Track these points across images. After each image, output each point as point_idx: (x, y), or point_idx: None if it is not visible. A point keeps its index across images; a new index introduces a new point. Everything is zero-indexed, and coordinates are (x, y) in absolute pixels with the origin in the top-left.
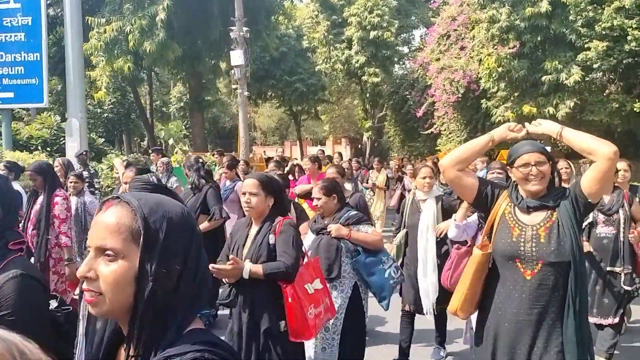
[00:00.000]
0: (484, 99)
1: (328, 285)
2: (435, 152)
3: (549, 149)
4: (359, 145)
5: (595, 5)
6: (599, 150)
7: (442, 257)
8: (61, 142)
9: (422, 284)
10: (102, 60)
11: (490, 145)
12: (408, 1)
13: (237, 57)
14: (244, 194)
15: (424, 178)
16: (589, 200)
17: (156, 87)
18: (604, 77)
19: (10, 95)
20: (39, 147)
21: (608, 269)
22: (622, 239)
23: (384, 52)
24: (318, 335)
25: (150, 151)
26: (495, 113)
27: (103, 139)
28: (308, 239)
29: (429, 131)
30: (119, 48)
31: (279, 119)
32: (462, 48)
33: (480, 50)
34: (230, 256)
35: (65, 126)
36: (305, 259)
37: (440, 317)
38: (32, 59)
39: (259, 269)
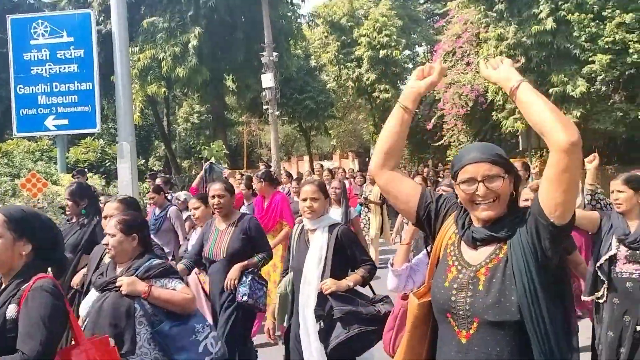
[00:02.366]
0: (494, 111)
1: None
2: (446, 162)
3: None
4: (367, 159)
5: (597, 21)
6: (552, 133)
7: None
8: (106, 164)
9: (306, 353)
10: (136, 86)
11: (407, 114)
12: (411, 20)
13: (268, 79)
14: (305, 199)
15: (305, 200)
16: (552, 222)
17: (160, 109)
18: (608, 88)
19: (65, 122)
20: (86, 170)
21: (638, 328)
22: None
23: (393, 69)
24: None
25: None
26: (505, 124)
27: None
28: (90, 297)
29: (439, 143)
30: (152, 74)
31: (284, 136)
32: (468, 64)
33: None
34: None
35: (117, 149)
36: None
37: None
38: (84, 88)
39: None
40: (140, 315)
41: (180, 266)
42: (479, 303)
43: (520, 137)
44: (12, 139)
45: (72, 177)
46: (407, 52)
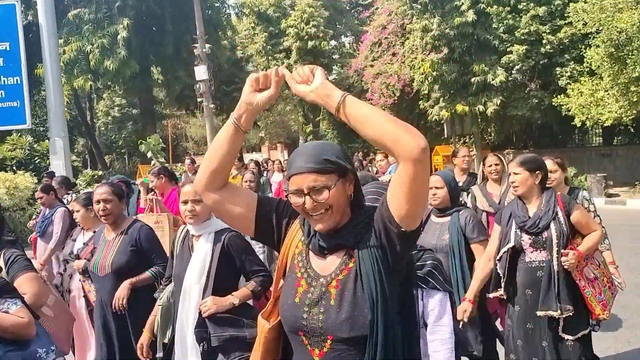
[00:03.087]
0: (421, 100)
1: None
2: (375, 151)
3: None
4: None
5: (514, 13)
6: (400, 144)
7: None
8: (35, 161)
9: None
10: (62, 80)
11: (240, 132)
12: (337, 11)
13: (201, 72)
14: (186, 202)
15: (185, 202)
16: (402, 228)
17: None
18: (524, 77)
19: None
20: (14, 168)
21: (540, 313)
22: (555, 267)
23: (321, 60)
24: None
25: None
26: (432, 112)
27: None
28: None
29: None
30: (78, 67)
31: (212, 128)
32: (394, 54)
33: (411, 56)
34: None
35: (50, 145)
36: None
37: None
38: (12, 82)
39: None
40: None
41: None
42: (332, 319)
43: (445, 125)
44: None
45: (42, 179)
46: (333, 42)
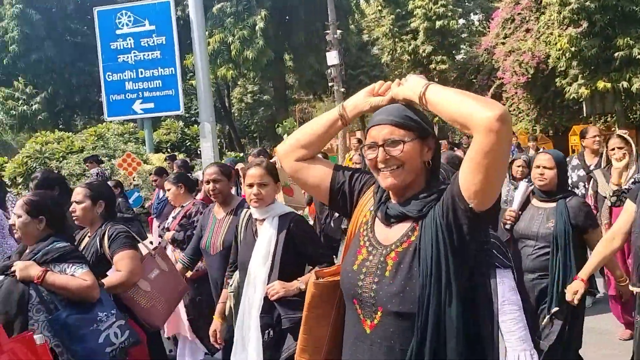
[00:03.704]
0: (557, 78)
1: None
2: None
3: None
4: None
5: None
6: (474, 116)
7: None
8: (186, 144)
9: None
10: None
11: (341, 123)
12: None
13: (332, 57)
14: (251, 185)
15: (251, 186)
16: (471, 207)
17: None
18: None
19: (151, 105)
20: (168, 149)
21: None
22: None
23: (449, 39)
24: None
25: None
26: (569, 90)
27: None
28: None
29: None
30: (221, 57)
31: None
32: (528, 30)
33: (547, 31)
34: None
35: (200, 130)
36: None
37: None
38: (167, 73)
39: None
40: (37, 302)
41: (178, 266)
42: (383, 290)
43: (584, 103)
44: (102, 123)
45: (165, 160)
46: (462, 20)
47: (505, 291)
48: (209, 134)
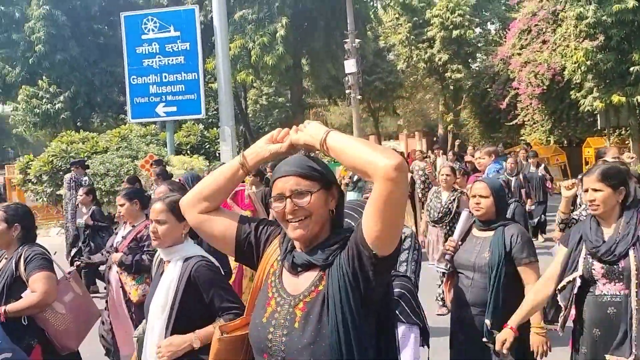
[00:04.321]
0: (572, 90)
1: None
2: (519, 142)
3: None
4: (434, 138)
5: None
6: (373, 164)
7: None
8: (206, 147)
9: None
10: None
11: (242, 172)
12: None
13: (350, 65)
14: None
15: (150, 222)
16: (375, 253)
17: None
18: None
19: (174, 109)
20: (188, 152)
21: (610, 358)
22: (633, 304)
23: (465, 49)
24: None
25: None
26: (584, 103)
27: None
28: None
29: (512, 122)
30: (241, 63)
31: (350, 116)
32: (544, 42)
33: (563, 44)
34: None
35: (220, 133)
36: None
37: None
38: (190, 78)
39: None
40: None
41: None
42: (294, 343)
43: (598, 116)
44: (125, 124)
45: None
46: (478, 30)
47: (402, 348)
48: (229, 138)
